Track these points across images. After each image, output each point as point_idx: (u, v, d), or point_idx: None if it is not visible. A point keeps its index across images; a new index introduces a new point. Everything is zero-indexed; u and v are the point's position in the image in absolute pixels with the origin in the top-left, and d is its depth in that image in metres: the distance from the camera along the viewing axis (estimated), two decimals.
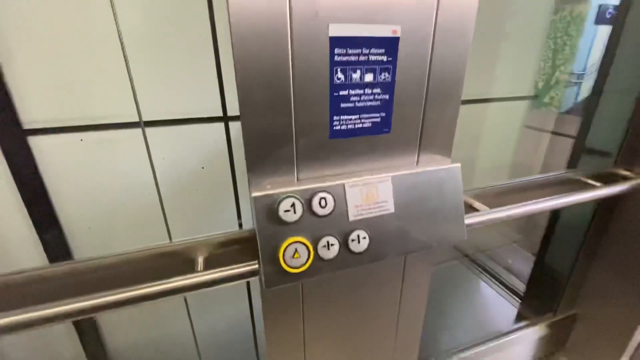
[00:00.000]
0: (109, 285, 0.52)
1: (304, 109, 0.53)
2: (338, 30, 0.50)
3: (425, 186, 0.63)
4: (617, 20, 1.03)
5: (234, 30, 0.46)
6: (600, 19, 2.12)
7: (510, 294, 1.56)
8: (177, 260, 0.57)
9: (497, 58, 1.54)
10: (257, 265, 0.55)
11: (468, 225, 0.70)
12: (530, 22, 1.62)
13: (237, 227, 0.90)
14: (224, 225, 0.95)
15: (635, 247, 1.03)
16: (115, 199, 0.90)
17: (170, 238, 0.78)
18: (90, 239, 0.93)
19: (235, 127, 0.94)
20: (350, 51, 0.52)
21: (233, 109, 0.91)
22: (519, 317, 1.38)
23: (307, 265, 0.56)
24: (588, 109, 1.22)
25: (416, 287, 0.81)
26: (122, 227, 0.95)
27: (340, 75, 0.53)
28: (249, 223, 0.99)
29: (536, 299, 1.36)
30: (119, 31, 0.68)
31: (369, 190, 0.59)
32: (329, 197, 0.56)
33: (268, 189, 0.54)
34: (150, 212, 0.95)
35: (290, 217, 0.54)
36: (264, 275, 0.54)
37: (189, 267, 0.56)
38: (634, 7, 1.00)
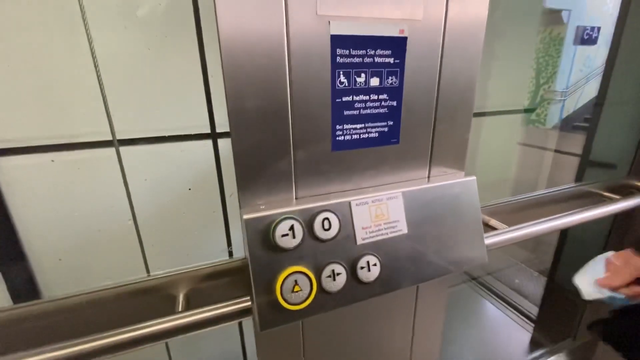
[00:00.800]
0: (74, 331, 0.43)
1: (302, 117, 0.46)
2: (340, 28, 0.44)
3: (439, 202, 0.56)
4: (614, 39, 1.01)
5: (222, 30, 0.39)
6: (578, 40, 2.17)
7: (523, 317, 1.46)
8: (155, 299, 0.48)
9: (491, 76, 1.53)
10: (249, 303, 0.46)
11: (487, 246, 0.62)
12: (520, 43, 1.63)
13: (227, 256, 0.81)
14: (213, 254, 0.85)
15: None
16: (89, 226, 0.80)
17: (147, 270, 0.68)
18: (61, 272, 0.82)
19: (224, 144, 0.86)
20: (353, 52, 0.46)
21: (222, 125, 0.84)
22: (535, 344, 1.28)
23: (310, 300, 0.47)
24: (587, 123, 1.19)
25: (431, 317, 0.72)
26: (97, 259, 0.85)
27: (343, 78, 0.46)
28: (240, 250, 0.89)
29: (552, 323, 1.26)
30: (90, 40, 0.62)
31: (378, 208, 0.52)
32: (333, 218, 0.48)
33: (262, 209, 0.46)
34: (130, 241, 0.85)
35: (289, 242, 0.46)
36: (258, 315, 0.45)
37: (168, 306, 0.47)
38: (628, 27, 0.99)
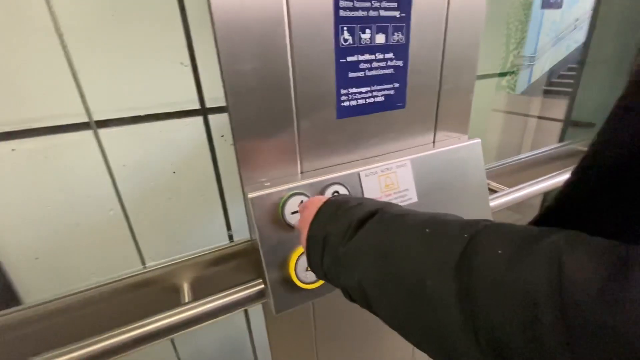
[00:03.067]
0: (73, 333, 0.38)
1: (305, 81, 0.42)
2: None
3: (447, 168, 0.54)
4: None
5: None
6: (545, 3, 2.16)
7: None
8: (157, 291, 0.44)
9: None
10: (262, 286, 0.43)
11: (492, 209, 0.62)
12: (493, 8, 1.61)
13: (226, 240, 0.76)
14: (206, 239, 0.81)
15: None
16: (65, 220, 0.73)
17: (143, 262, 0.63)
18: (39, 272, 0.75)
19: (214, 120, 0.80)
20: (357, 4, 0.41)
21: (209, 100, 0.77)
22: None
23: None
24: (554, 87, 1.21)
25: None
26: (78, 254, 0.78)
27: (347, 35, 0.42)
28: (240, 233, 0.85)
29: None
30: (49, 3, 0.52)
31: (388, 177, 0.49)
32: (343, 191, 0.45)
33: (267, 186, 0.42)
34: (113, 233, 0.79)
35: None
36: (272, 297, 0.42)
37: (173, 298, 0.43)
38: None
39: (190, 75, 0.68)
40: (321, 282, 0.44)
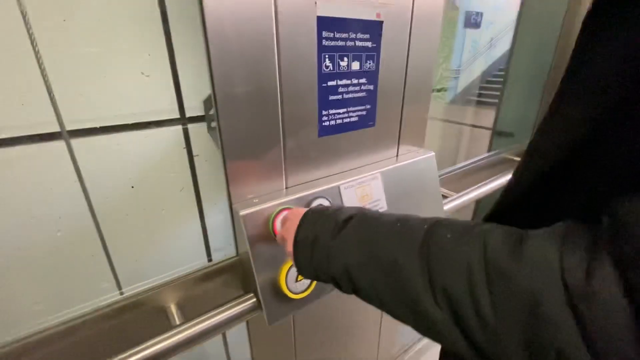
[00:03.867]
0: None
1: (292, 102, 0.44)
2: (326, 9, 0.43)
3: (408, 178, 0.61)
4: (517, 25, 1.19)
5: (209, 15, 0.35)
6: (467, 23, 2.44)
7: None
8: (139, 316, 0.42)
9: None
10: (253, 300, 0.44)
11: (445, 212, 0.71)
12: None
13: (202, 259, 0.74)
14: (167, 259, 0.77)
15: None
16: (4, 245, 0.65)
17: (119, 287, 0.58)
18: None
19: (170, 134, 0.77)
20: (337, 35, 0.45)
21: (164, 112, 0.74)
22: None
23: (312, 286, 0.48)
24: (476, 97, 1.40)
25: None
26: (22, 284, 0.69)
27: (328, 62, 0.46)
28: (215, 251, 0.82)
29: None
30: None
31: (363, 189, 0.54)
32: (326, 203, 0.49)
33: (256, 203, 0.44)
34: (65, 256, 0.71)
35: None
36: (265, 310, 0.44)
37: (160, 321, 0.42)
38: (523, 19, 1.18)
39: (147, 86, 0.66)
40: (308, 291, 0.47)
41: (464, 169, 0.88)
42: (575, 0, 0.98)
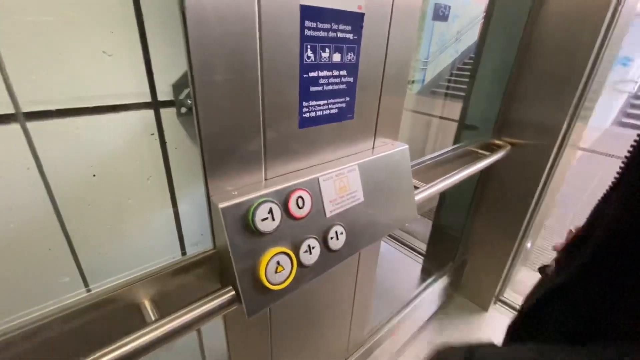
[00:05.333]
0: None
1: (273, 93, 0.43)
2: None
3: (383, 170, 0.63)
4: (486, 18, 1.23)
5: (189, 2, 0.32)
6: (435, 16, 2.50)
7: (415, 253, 1.81)
8: (111, 314, 0.41)
9: None
10: (232, 293, 0.44)
11: (416, 202, 0.74)
12: None
13: (176, 252, 0.71)
14: (134, 251, 0.74)
15: (503, 201, 1.33)
16: None
17: (85, 283, 0.55)
18: None
19: (134, 118, 0.73)
20: (320, 25, 0.45)
21: (132, 96, 0.70)
22: (426, 272, 1.61)
23: (292, 276, 0.48)
24: (441, 89, 1.46)
25: (369, 269, 0.82)
26: None
27: (310, 53, 0.45)
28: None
29: (438, 254, 1.61)
30: None
31: (341, 181, 0.55)
32: (306, 195, 0.49)
33: (235, 195, 0.43)
34: (20, 251, 0.66)
35: (269, 225, 0.45)
36: (245, 302, 0.43)
37: (134, 319, 0.41)
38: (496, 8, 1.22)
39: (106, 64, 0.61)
40: (287, 282, 0.48)
41: (432, 161, 0.92)
42: None
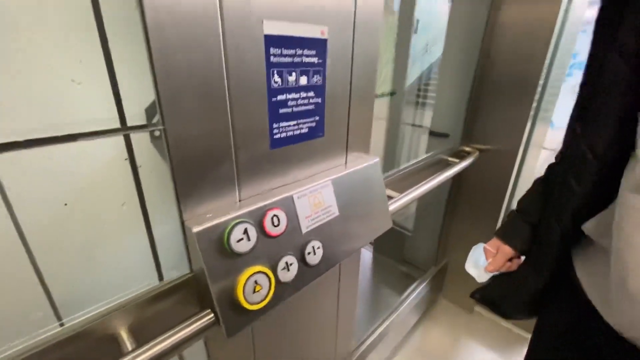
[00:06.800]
0: None
1: (242, 117, 0.45)
2: (273, 27, 0.44)
3: (357, 184, 0.65)
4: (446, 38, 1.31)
5: (152, 34, 0.34)
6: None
7: (398, 260, 1.84)
8: (87, 348, 0.40)
9: None
10: (211, 316, 0.44)
11: (390, 212, 0.77)
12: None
13: (153, 279, 0.70)
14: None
15: (477, 204, 1.38)
16: None
17: (58, 317, 0.53)
18: None
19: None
20: (285, 52, 0.47)
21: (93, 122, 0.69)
22: (409, 277, 1.64)
23: (270, 295, 0.49)
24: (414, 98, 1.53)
25: (351, 281, 0.84)
26: None
27: (277, 78, 0.47)
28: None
29: (419, 259, 1.65)
30: None
31: (316, 197, 0.57)
32: (281, 213, 0.50)
33: (209, 218, 0.44)
34: None
35: (245, 246, 0.45)
36: (223, 324, 0.44)
37: (111, 351, 0.40)
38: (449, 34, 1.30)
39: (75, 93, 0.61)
40: (265, 301, 0.48)
41: (405, 170, 0.95)
42: (495, 7, 1.11)
